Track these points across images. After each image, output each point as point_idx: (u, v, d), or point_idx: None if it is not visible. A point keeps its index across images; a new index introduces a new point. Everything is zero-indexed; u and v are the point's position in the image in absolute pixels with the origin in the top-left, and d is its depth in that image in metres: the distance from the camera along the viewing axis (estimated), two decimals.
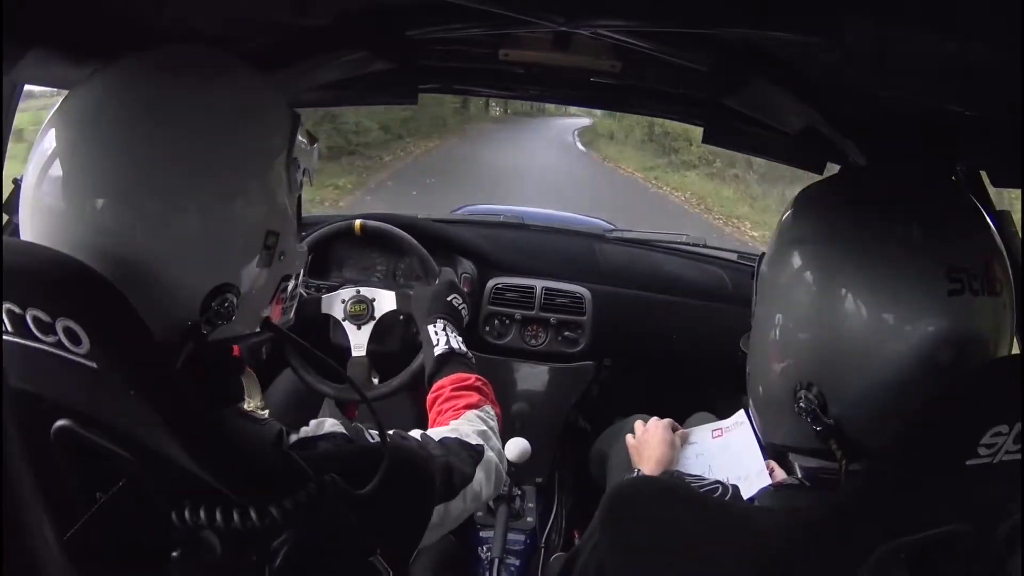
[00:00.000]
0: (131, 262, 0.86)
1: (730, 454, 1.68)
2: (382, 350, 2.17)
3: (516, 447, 2.09)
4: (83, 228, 0.86)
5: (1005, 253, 0.97)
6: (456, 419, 1.37)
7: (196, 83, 0.94)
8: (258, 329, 1.04)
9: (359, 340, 2.09)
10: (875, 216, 0.97)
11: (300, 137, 1.05)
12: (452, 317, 1.77)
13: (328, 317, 2.13)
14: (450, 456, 1.22)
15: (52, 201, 0.87)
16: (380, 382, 2.10)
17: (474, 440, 1.30)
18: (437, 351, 1.62)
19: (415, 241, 2.12)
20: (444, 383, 1.52)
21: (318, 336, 2.18)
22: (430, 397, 1.53)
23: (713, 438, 1.73)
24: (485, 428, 1.37)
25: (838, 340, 0.94)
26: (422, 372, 1.69)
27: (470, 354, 1.66)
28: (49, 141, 0.89)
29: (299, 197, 1.08)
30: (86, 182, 0.87)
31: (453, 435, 1.29)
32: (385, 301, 2.10)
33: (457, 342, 1.66)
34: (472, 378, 1.53)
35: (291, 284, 1.08)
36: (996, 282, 0.93)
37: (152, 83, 0.92)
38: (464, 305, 1.86)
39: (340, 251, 2.49)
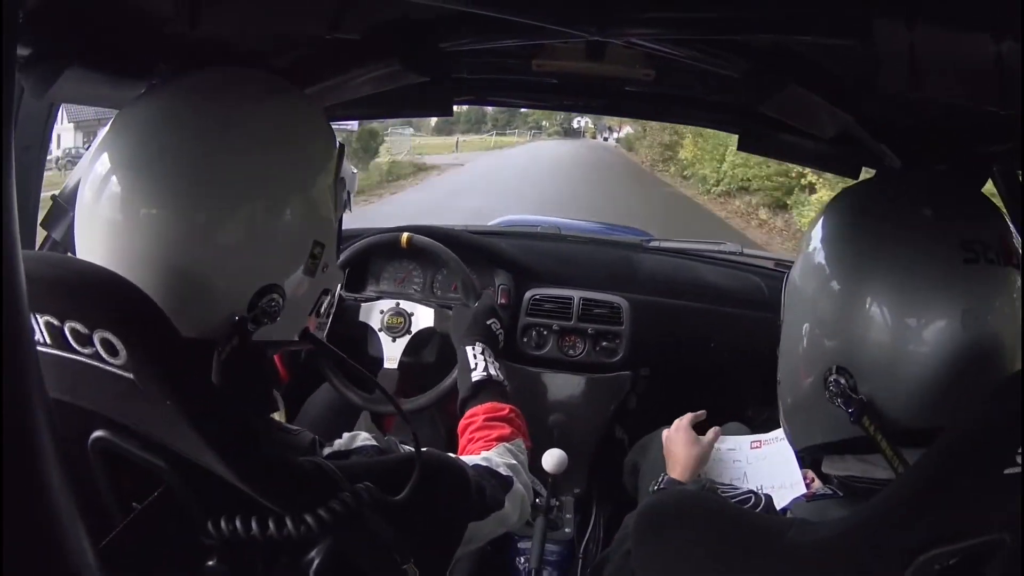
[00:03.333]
0: (185, 266, 0.90)
1: (768, 464, 1.68)
2: (417, 362, 2.18)
3: (553, 458, 2.08)
4: (142, 237, 0.90)
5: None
6: (487, 450, 1.38)
7: (252, 100, 0.99)
8: (296, 338, 1.06)
9: (392, 353, 2.10)
10: (894, 207, 1.00)
11: (346, 163, 1.10)
12: (489, 342, 1.77)
13: (365, 326, 2.15)
14: (481, 480, 1.23)
15: (110, 214, 0.91)
16: (414, 394, 2.11)
17: (504, 471, 1.31)
18: (474, 376, 1.64)
19: (459, 259, 2.12)
20: (478, 411, 1.53)
21: (354, 344, 2.19)
22: (463, 423, 1.54)
23: (751, 448, 1.73)
24: (515, 462, 1.38)
25: (862, 326, 0.95)
26: (455, 390, 1.71)
27: (506, 382, 1.66)
28: (105, 157, 0.93)
29: (340, 220, 1.12)
30: (144, 193, 0.90)
31: (484, 463, 1.30)
32: (423, 317, 2.11)
33: (494, 368, 1.67)
34: (506, 409, 1.54)
35: (327, 300, 1.11)
36: (1013, 254, 0.94)
37: (210, 100, 0.97)
38: (501, 331, 1.87)
39: (377, 263, 2.51)
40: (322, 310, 1.09)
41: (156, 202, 0.90)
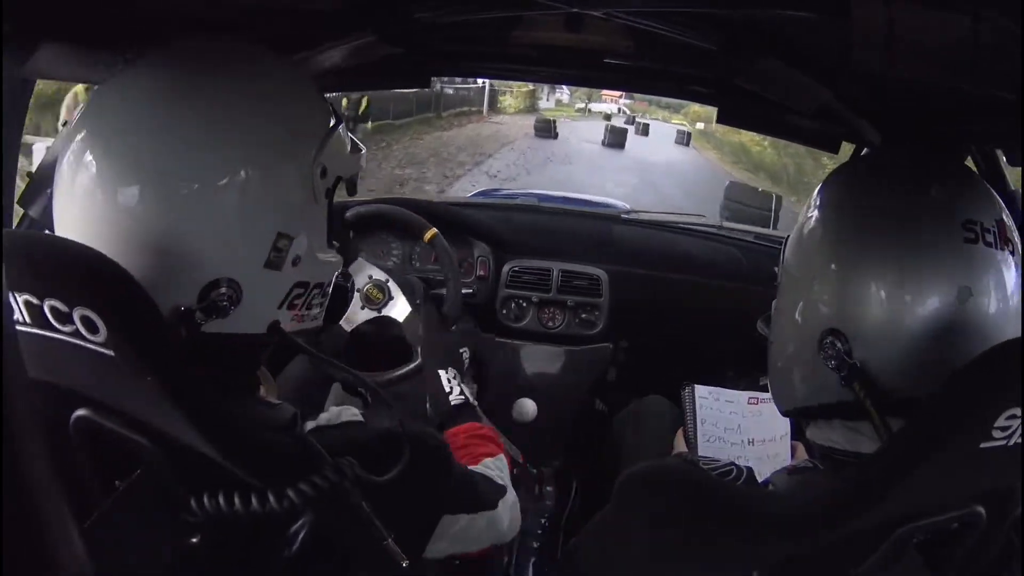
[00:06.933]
0: (141, 245, 0.87)
1: (762, 419, 1.72)
2: (376, 332, 2.13)
3: (523, 407, 2.19)
4: (108, 215, 0.87)
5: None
6: (475, 465, 1.38)
7: (225, 78, 0.94)
8: (264, 332, 1.00)
9: (354, 317, 2.04)
10: (895, 184, 1.01)
11: (344, 139, 1.05)
12: (459, 367, 1.84)
13: (349, 278, 2.07)
14: (476, 476, 1.25)
15: (83, 190, 0.89)
16: (361, 361, 2.08)
17: (498, 480, 1.32)
18: (452, 400, 1.68)
19: (458, 280, 2.07)
20: (458, 431, 1.55)
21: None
22: None
23: (748, 403, 1.76)
24: (504, 474, 1.39)
25: (861, 293, 0.96)
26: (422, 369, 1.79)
27: (478, 407, 1.72)
28: (85, 131, 0.90)
29: (330, 204, 1.05)
30: (115, 170, 0.87)
31: (479, 470, 1.31)
32: (399, 308, 2.05)
33: (468, 392, 1.72)
34: (486, 428, 1.58)
35: (312, 293, 1.04)
36: (1009, 241, 0.96)
37: (185, 76, 0.93)
38: (469, 359, 1.95)
39: (358, 234, 2.48)
40: (298, 303, 1.03)
41: (122, 178, 0.87)
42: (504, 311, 2.50)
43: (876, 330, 0.96)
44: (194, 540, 0.83)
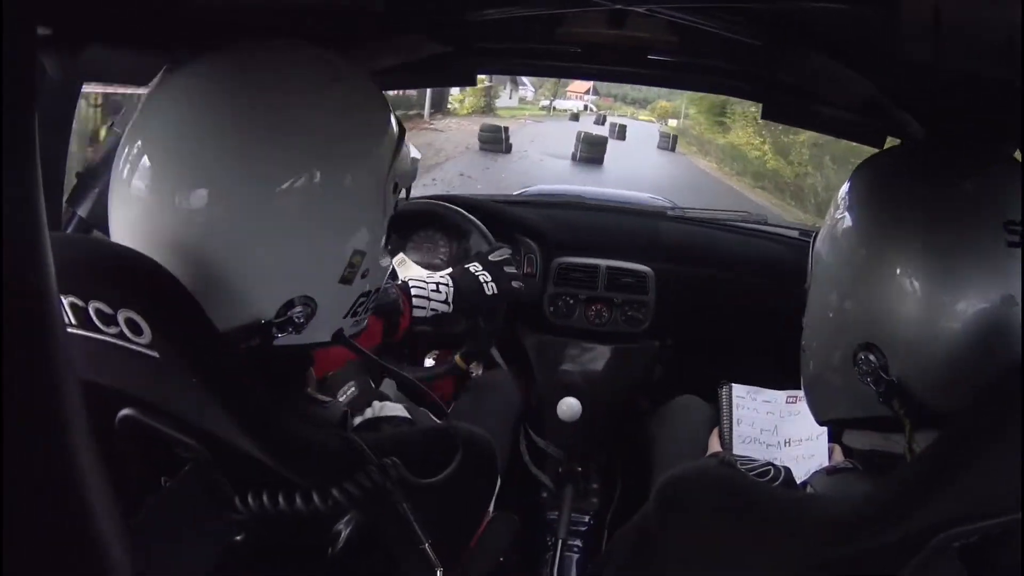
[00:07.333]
0: (217, 260, 0.88)
1: (799, 419, 1.70)
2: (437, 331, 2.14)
3: (568, 406, 2.20)
4: (172, 221, 0.88)
5: None
6: None
7: (303, 85, 0.95)
8: (328, 340, 1.02)
9: (407, 272, 2.01)
10: (929, 180, 0.97)
11: (405, 149, 1.06)
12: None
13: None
14: None
15: (144, 196, 0.89)
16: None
17: None
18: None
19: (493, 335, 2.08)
20: None
21: None
22: None
23: (787, 402, 1.75)
24: None
25: (897, 302, 0.93)
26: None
27: None
28: (141, 134, 0.91)
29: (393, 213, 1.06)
30: (177, 174, 0.88)
31: None
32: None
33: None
34: None
35: (372, 298, 1.07)
36: None
37: (252, 79, 0.93)
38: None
39: (403, 230, 2.46)
40: (360, 310, 1.05)
41: (187, 183, 0.87)
42: (552, 308, 2.49)
43: (913, 343, 0.92)
44: (239, 537, 0.84)
